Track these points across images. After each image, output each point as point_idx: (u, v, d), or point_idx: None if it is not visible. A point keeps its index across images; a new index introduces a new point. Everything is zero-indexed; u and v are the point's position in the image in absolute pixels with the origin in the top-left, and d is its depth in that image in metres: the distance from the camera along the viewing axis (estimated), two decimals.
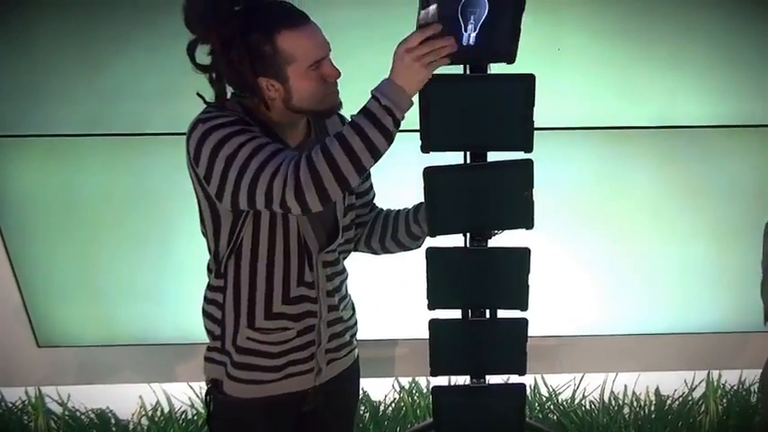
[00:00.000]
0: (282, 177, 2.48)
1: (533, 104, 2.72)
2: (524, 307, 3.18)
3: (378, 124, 2.47)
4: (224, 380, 2.99)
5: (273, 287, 2.85)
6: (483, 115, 2.75)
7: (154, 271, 4.17)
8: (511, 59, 2.50)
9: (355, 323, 3.21)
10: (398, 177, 3.74)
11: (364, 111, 2.49)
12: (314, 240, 2.82)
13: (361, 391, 4.66)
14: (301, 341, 2.93)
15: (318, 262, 2.85)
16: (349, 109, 2.62)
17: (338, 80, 2.74)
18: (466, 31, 2.41)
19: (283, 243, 2.79)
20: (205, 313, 2.98)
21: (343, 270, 3.09)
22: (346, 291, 3.11)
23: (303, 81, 2.62)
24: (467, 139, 2.84)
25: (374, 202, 3.27)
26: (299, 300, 2.87)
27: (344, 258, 3.10)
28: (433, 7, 2.37)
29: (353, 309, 3.20)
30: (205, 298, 2.98)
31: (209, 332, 3.00)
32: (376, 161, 2.51)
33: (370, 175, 3.14)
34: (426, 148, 2.79)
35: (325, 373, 3.03)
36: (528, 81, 2.66)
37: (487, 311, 3.25)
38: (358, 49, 3.70)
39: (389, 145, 2.50)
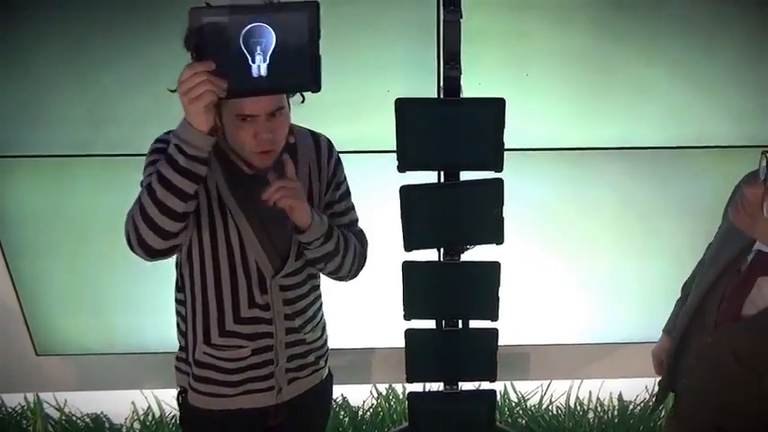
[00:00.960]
0: (125, 228, 2.48)
1: (503, 126, 2.72)
2: (495, 317, 3.18)
3: (172, 163, 2.34)
4: (188, 390, 2.97)
5: (224, 306, 2.81)
6: (456, 137, 2.75)
7: (145, 284, 4.15)
8: (315, 88, 2.34)
9: (323, 344, 3.11)
10: (380, 195, 3.74)
11: (166, 155, 2.38)
12: (267, 264, 2.76)
13: (341, 397, 4.66)
14: (259, 359, 2.88)
15: (274, 285, 2.79)
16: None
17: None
18: (254, 62, 2.25)
19: (228, 264, 2.74)
20: (177, 323, 2.96)
21: (310, 293, 2.96)
22: (315, 313, 3.01)
23: (231, 127, 2.53)
24: (440, 159, 2.84)
25: (352, 227, 3.04)
26: (252, 320, 2.81)
27: (313, 281, 3.00)
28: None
29: (323, 330, 3.11)
30: (175, 309, 2.95)
31: (179, 342, 2.98)
32: (185, 201, 2.39)
33: (338, 200, 2.92)
34: (402, 167, 2.79)
35: (287, 391, 2.97)
36: (498, 105, 2.65)
37: (460, 322, 3.25)
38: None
39: (192, 181, 2.36)
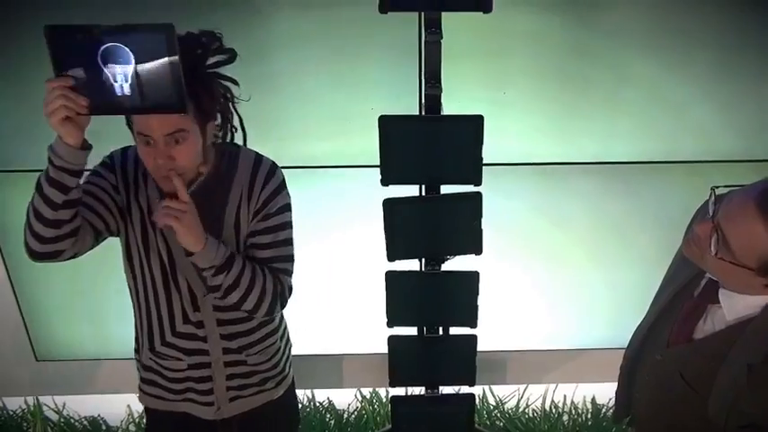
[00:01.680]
0: None
1: (482, 142, 2.70)
2: (474, 324, 3.17)
3: (45, 172, 2.35)
4: (138, 389, 3.02)
5: (163, 319, 2.80)
6: (436, 152, 2.73)
7: None
8: (180, 108, 2.28)
9: (273, 367, 3.05)
10: (364, 207, 3.73)
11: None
12: (198, 283, 2.72)
13: (327, 401, 4.65)
14: (197, 374, 2.87)
15: (205, 304, 2.76)
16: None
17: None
18: (116, 81, 2.21)
19: (162, 279, 2.73)
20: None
21: (251, 317, 2.88)
22: (263, 338, 2.96)
23: (138, 146, 2.50)
24: (422, 174, 2.82)
25: (272, 263, 2.91)
26: (187, 336, 2.80)
27: None
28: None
29: (276, 354, 3.04)
30: None
31: None
32: (55, 209, 2.39)
33: (263, 232, 2.81)
34: (386, 181, 2.77)
35: (229, 408, 2.95)
36: (477, 121, 2.63)
37: (440, 328, 3.24)
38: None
39: (59, 191, 2.36)
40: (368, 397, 4.67)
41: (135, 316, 2.92)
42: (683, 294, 2.54)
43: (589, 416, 4.62)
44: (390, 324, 3.16)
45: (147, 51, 2.19)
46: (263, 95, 3.69)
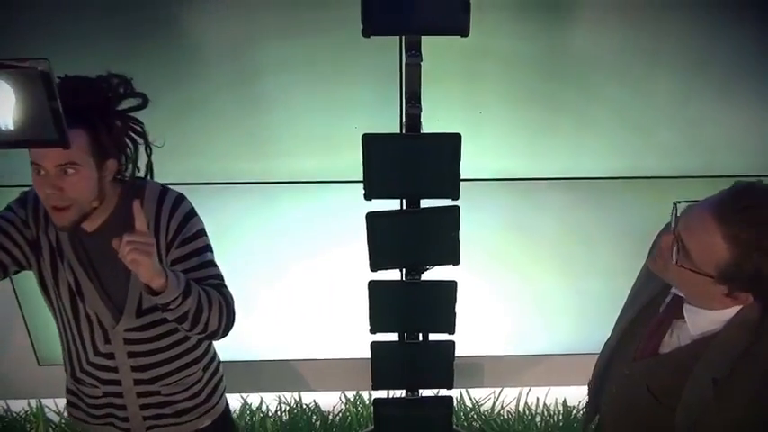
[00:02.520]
0: None
1: (459, 159, 2.72)
2: (452, 331, 3.18)
3: None
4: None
5: (78, 348, 2.75)
6: (416, 168, 2.74)
7: None
8: (61, 143, 2.07)
9: (190, 398, 2.91)
10: (348, 221, 3.74)
11: None
12: (108, 317, 2.65)
13: (313, 403, 4.64)
14: (113, 401, 2.80)
15: (116, 337, 2.67)
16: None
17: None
18: None
19: (72, 311, 2.66)
20: None
21: (168, 350, 2.77)
22: (177, 370, 2.83)
23: (32, 172, 2.41)
24: (403, 188, 2.83)
25: (209, 282, 2.74)
26: (100, 367, 2.73)
27: (179, 344, 2.81)
28: None
29: (193, 386, 2.90)
30: None
31: None
32: None
33: (188, 255, 2.67)
34: (369, 195, 2.78)
35: None
36: (455, 139, 2.64)
37: (420, 335, 3.25)
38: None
39: None
40: (352, 399, 4.67)
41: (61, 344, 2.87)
42: (648, 310, 2.53)
43: (560, 417, 4.62)
44: (373, 330, 3.17)
45: (24, 86, 2.08)
46: (253, 116, 3.69)
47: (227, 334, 2.62)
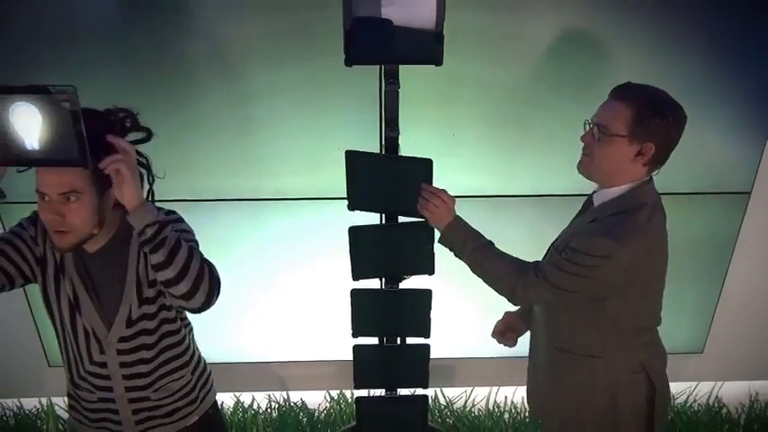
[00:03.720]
0: None
1: (432, 180, 2.73)
2: (427, 335, 3.18)
3: None
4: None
5: (74, 356, 2.73)
6: (394, 186, 2.76)
7: None
8: (83, 163, 2.22)
9: (179, 399, 2.88)
10: (332, 234, 3.73)
11: None
12: (102, 327, 2.63)
13: (300, 401, 4.63)
14: (107, 406, 2.79)
15: (110, 348, 2.66)
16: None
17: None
18: (25, 136, 2.18)
19: (70, 321, 2.65)
20: None
21: (154, 359, 2.74)
22: (162, 377, 2.79)
23: (37, 198, 2.40)
24: (382, 204, 2.85)
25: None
26: (94, 375, 2.72)
27: (165, 352, 2.78)
28: None
29: (180, 389, 2.87)
30: None
31: None
32: None
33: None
34: (351, 206, 2.81)
35: None
36: (428, 163, 2.70)
37: (398, 339, 3.25)
38: None
39: None
40: (336, 398, 4.66)
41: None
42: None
43: (526, 414, 4.62)
44: (355, 335, 3.17)
45: (51, 110, 2.16)
46: (244, 137, 3.69)
47: (214, 294, 2.49)
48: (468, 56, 3.56)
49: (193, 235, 2.64)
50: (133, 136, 2.46)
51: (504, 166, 3.88)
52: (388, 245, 2.96)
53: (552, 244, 3.07)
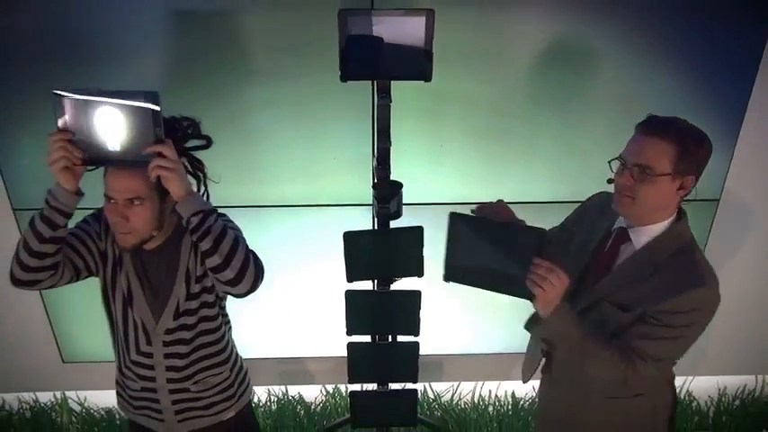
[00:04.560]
0: None
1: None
2: (417, 333, 3.20)
3: (39, 211, 2.35)
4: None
5: (123, 347, 2.77)
6: (496, 257, 2.76)
7: None
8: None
9: (218, 394, 2.89)
10: (328, 239, 3.73)
11: None
12: (151, 320, 2.67)
13: (298, 395, 4.63)
14: (149, 395, 2.81)
15: (156, 338, 2.69)
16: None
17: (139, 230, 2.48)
18: (107, 137, 2.24)
19: (122, 313, 2.69)
20: None
21: (192, 353, 2.76)
22: (200, 371, 2.81)
23: (105, 201, 2.45)
24: (482, 277, 2.87)
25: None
26: (139, 364, 2.75)
27: (203, 349, 2.79)
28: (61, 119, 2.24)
29: (219, 384, 2.89)
30: None
31: None
32: (41, 242, 2.36)
33: None
34: (447, 278, 2.85)
35: (178, 427, 2.88)
36: (539, 233, 2.54)
37: (390, 336, 3.26)
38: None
39: (48, 226, 2.34)
40: (331, 392, 4.66)
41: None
42: (596, 251, 2.73)
43: (510, 407, 4.62)
44: (349, 333, 3.19)
45: (134, 114, 2.20)
46: (245, 147, 3.69)
47: (258, 281, 2.53)
48: (455, 72, 3.57)
49: (240, 231, 2.66)
50: (194, 142, 2.55)
51: (488, 175, 3.88)
52: (381, 249, 2.98)
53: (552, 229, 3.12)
